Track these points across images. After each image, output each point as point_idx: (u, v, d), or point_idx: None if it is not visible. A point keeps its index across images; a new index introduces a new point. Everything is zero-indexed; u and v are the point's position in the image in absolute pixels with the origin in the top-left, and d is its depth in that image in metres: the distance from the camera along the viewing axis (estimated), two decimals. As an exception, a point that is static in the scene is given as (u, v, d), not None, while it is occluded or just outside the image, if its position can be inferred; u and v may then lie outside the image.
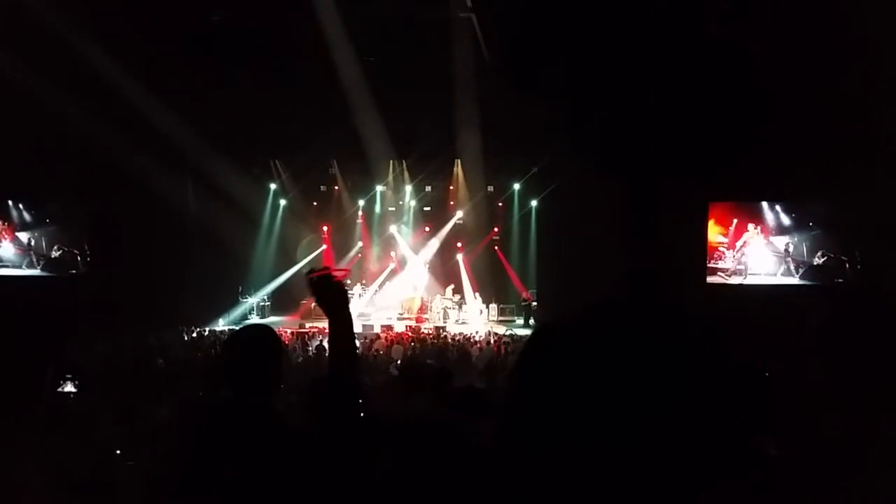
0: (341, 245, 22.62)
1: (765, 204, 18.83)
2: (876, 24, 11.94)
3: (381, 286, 21.94)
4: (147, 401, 5.86)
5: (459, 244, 22.35)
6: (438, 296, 21.18)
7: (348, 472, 2.33)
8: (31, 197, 19.87)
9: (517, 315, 20.88)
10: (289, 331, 16.26)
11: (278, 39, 15.10)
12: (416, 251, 22.62)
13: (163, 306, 16.35)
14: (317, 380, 3.80)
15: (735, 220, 18.88)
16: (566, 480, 0.74)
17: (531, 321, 19.94)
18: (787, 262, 18.62)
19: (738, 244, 18.79)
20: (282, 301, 21.66)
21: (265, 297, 21.41)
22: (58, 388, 6.19)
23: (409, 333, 16.67)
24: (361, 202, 22.68)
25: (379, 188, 22.41)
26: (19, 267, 20.09)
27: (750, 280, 18.76)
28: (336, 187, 22.51)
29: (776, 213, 18.82)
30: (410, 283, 22.17)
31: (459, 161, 21.38)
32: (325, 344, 13.11)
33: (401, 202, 22.88)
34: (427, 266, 22.52)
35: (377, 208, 22.86)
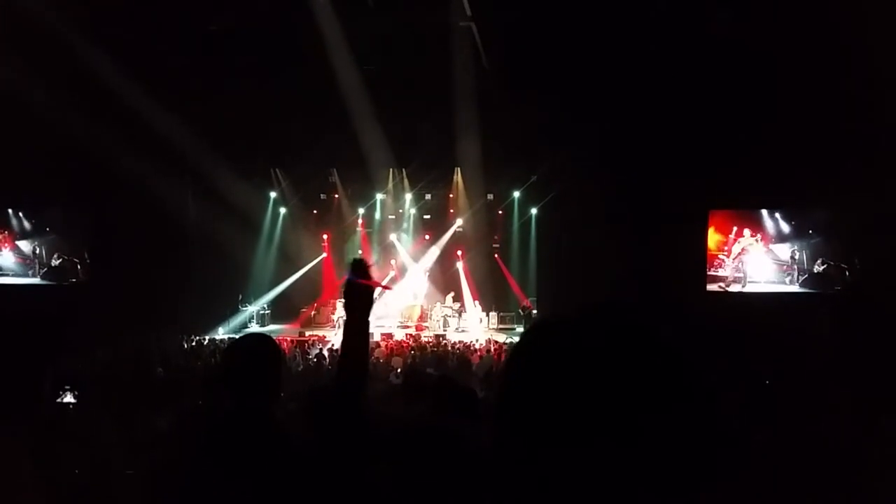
0: (341, 253, 22.62)
1: (764, 212, 18.84)
2: (877, 30, 11.97)
3: (380, 294, 21.87)
4: (146, 409, 5.85)
5: (459, 252, 22.34)
6: (438, 304, 21.17)
7: (348, 479, 2.33)
8: (31, 205, 19.89)
9: (517, 323, 20.85)
10: (289, 339, 16.24)
11: (278, 47, 15.15)
12: (416, 259, 22.63)
13: (162, 315, 16.34)
14: (316, 388, 3.80)
15: (735, 228, 18.89)
16: (562, 482, 0.74)
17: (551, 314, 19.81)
18: (793, 270, 18.63)
19: (735, 251, 18.78)
20: (282, 309, 21.67)
21: (265, 306, 21.40)
22: (57, 398, 6.20)
23: (410, 341, 16.66)
24: (361, 210, 22.70)
25: (379, 196, 22.43)
26: (19, 275, 20.10)
27: (750, 288, 18.73)
28: (336, 195, 22.53)
29: (776, 221, 18.83)
30: (410, 291, 22.16)
31: (459, 169, 21.41)
32: (325, 352, 13.12)
33: (401, 210, 22.89)
34: (427, 274, 22.52)
35: (377, 216, 22.87)
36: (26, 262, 20.19)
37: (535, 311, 20.16)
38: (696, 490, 0.74)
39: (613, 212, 16.19)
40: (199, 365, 11.08)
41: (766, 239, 18.84)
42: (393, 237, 22.83)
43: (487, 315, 21.12)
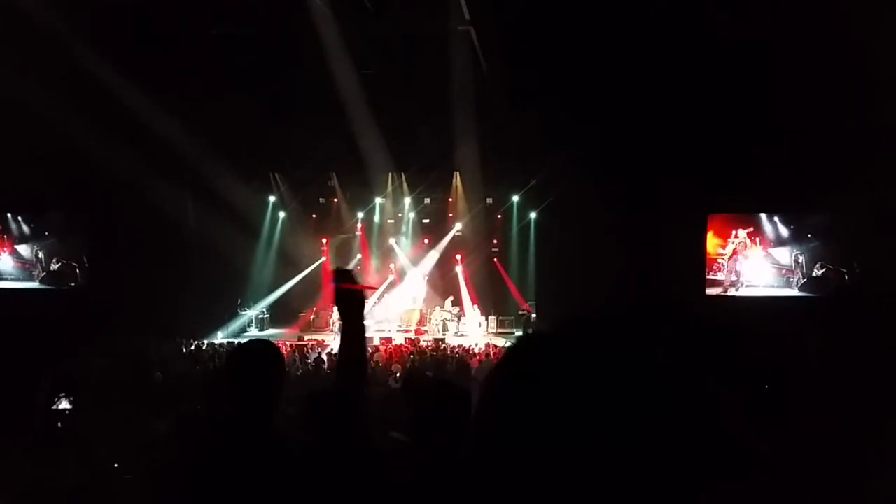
0: (341, 258, 22.62)
1: (763, 216, 18.86)
2: (875, 34, 11.99)
3: (380, 298, 21.93)
4: (145, 414, 5.84)
5: (458, 256, 22.34)
6: (437, 308, 21.16)
7: (346, 484, 2.33)
8: (31, 209, 19.90)
9: (516, 327, 20.83)
10: (288, 343, 16.22)
11: (278, 51, 15.17)
12: (415, 263, 22.62)
13: (161, 319, 16.32)
14: (315, 392, 3.79)
15: (733, 232, 18.90)
16: (536, 497, 0.74)
17: (530, 332, 19.85)
18: (791, 275, 18.63)
19: (727, 252, 18.78)
20: (281, 314, 21.67)
21: (264, 310, 21.39)
22: (53, 403, 6.18)
23: (409, 346, 16.64)
24: (361, 214, 22.70)
25: (378, 200, 22.44)
26: (18, 280, 20.09)
27: (749, 292, 18.74)
28: (335, 199, 22.53)
29: (774, 225, 18.84)
30: (409, 295, 22.16)
31: (458, 173, 21.42)
32: (324, 356, 13.10)
33: (400, 214, 22.90)
34: (426, 278, 22.51)
35: (376, 220, 22.87)
36: (25, 266, 20.19)
37: (533, 316, 20.15)
38: (679, 497, 0.73)
39: (612, 216, 16.20)
40: (199, 369, 11.06)
41: (766, 243, 18.85)
42: (392, 241, 22.83)
43: (486, 319, 21.10)
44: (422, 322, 21.20)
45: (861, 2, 12.16)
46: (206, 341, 16.98)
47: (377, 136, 17.95)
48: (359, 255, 22.72)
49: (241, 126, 16.78)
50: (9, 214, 19.99)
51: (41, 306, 17.73)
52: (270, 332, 20.64)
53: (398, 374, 10.46)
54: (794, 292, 18.53)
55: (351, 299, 2.40)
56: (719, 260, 18.86)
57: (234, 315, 20.50)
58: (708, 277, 18.82)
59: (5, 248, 20.15)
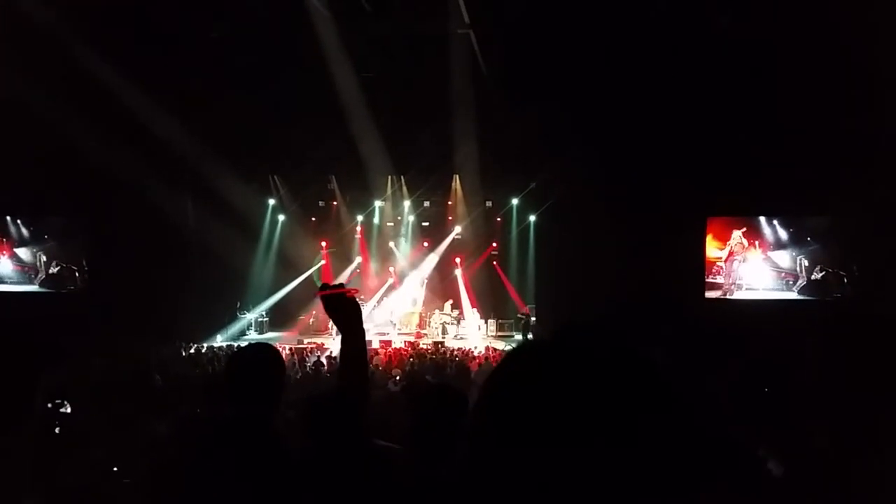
0: (340, 260, 22.62)
1: (762, 219, 18.86)
2: (875, 37, 12.01)
3: (379, 301, 21.93)
4: (145, 417, 5.83)
5: (458, 259, 22.34)
6: (437, 311, 21.16)
7: (344, 488, 2.32)
8: (30, 213, 19.90)
9: (516, 330, 20.83)
10: (287, 347, 16.20)
11: (277, 54, 15.18)
12: (414, 266, 22.62)
13: (161, 322, 16.31)
14: (315, 395, 3.78)
15: (733, 234, 18.90)
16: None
17: (529, 336, 19.91)
18: (791, 278, 18.63)
19: (723, 253, 18.77)
20: (280, 317, 21.66)
21: (263, 313, 21.38)
22: (52, 406, 6.17)
23: (408, 349, 16.64)
24: (360, 217, 22.70)
25: (377, 203, 22.45)
26: (18, 283, 20.08)
27: (749, 295, 18.74)
28: (335, 202, 22.54)
29: (774, 228, 18.84)
30: (409, 298, 22.15)
31: (458, 176, 21.44)
32: (324, 360, 13.09)
33: (399, 217, 22.91)
34: (425, 281, 22.51)
35: (376, 223, 22.88)
36: (25, 269, 20.18)
37: (533, 319, 20.15)
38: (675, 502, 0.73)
39: (612, 219, 16.21)
40: (198, 372, 11.05)
41: (765, 246, 18.85)
42: (392, 244, 22.84)
43: (486, 322, 21.10)
44: (421, 325, 21.20)
45: (861, 2, 12.17)
46: (205, 344, 16.98)
47: (377, 138, 17.96)
48: (358, 258, 22.72)
49: (240, 129, 16.79)
50: (8, 217, 19.99)
51: (41, 310, 17.71)
52: (270, 335, 20.63)
53: (397, 378, 10.45)
54: (794, 295, 18.53)
55: (341, 305, 2.41)
56: (718, 263, 18.86)
57: (233, 318, 20.50)
58: (707, 280, 18.82)
59: (5, 252, 20.14)
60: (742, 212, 18.73)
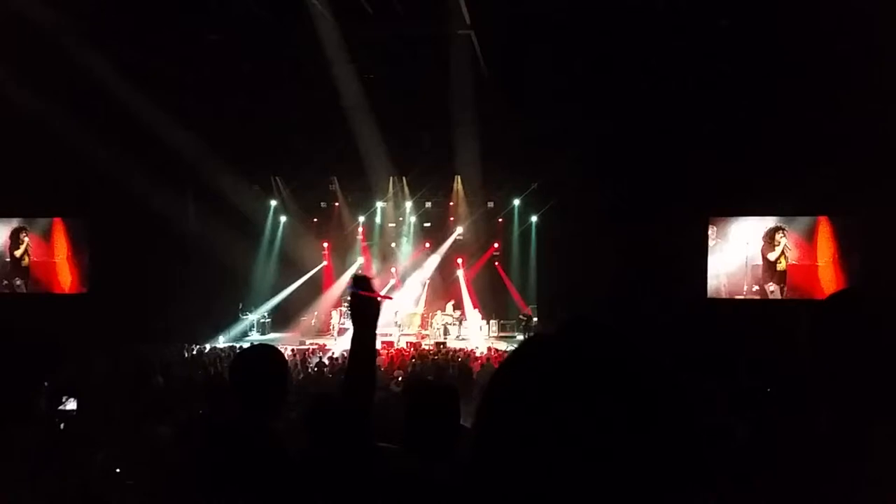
0: (341, 261, 22.63)
1: (763, 218, 18.81)
2: (877, 34, 12.00)
3: (383, 304, 21.88)
4: (147, 418, 5.84)
5: (460, 260, 22.34)
6: (439, 312, 21.15)
7: (346, 490, 2.33)
8: (31, 213, 19.92)
9: (518, 331, 20.83)
10: (289, 348, 16.22)
11: (279, 56, 15.19)
12: (416, 267, 22.62)
13: (163, 323, 16.33)
14: (318, 396, 3.79)
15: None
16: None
17: (530, 335, 19.86)
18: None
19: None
20: (282, 318, 21.66)
21: (265, 314, 21.39)
22: (58, 406, 6.19)
23: (410, 349, 16.64)
24: (362, 218, 22.70)
25: (379, 204, 22.45)
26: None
27: (751, 294, 18.71)
28: (336, 204, 22.54)
29: (777, 227, 18.78)
30: (411, 299, 22.15)
31: (459, 177, 21.43)
32: (326, 360, 13.10)
33: (401, 218, 22.90)
34: (427, 282, 22.51)
35: (377, 224, 22.88)
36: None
37: (535, 319, 20.14)
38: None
39: (614, 219, 16.21)
40: (200, 374, 11.06)
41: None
42: (393, 245, 22.85)
43: (488, 323, 21.10)
44: (423, 326, 21.20)
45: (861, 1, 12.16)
46: (207, 345, 17.00)
47: (378, 140, 17.97)
48: (360, 259, 22.72)
49: (242, 130, 16.79)
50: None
51: (39, 311, 17.72)
52: (272, 336, 20.63)
53: (399, 379, 10.46)
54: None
55: (367, 307, 2.41)
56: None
57: (235, 319, 20.51)
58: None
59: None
60: (744, 212, 18.70)
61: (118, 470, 4.73)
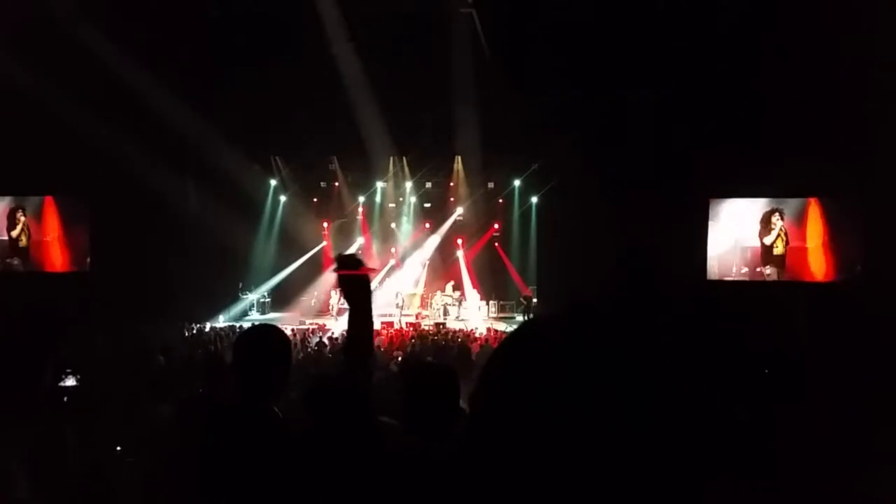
0: (341, 241, 22.63)
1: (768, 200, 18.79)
2: (877, 21, 11.93)
3: (381, 282, 21.97)
4: (148, 397, 5.86)
5: (460, 241, 22.35)
6: (439, 292, 21.20)
7: (347, 468, 2.34)
8: (32, 194, 19.87)
9: (517, 311, 20.89)
10: (289, 328, 16.26)
11: (279, 34, 15.09)
12: (416, 247, 22.63)
13: (163, 303, 16.35)
14: (318, 375, 3.80)
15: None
16: (532, 487, 0.74)
17: (530, 317, 19.94)
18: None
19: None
20: (282, 297, 21.72)
21: (265, 294, 21.44)
22: (59, 382, 6.22)
23: (410, 330, 16.69)
24: (362, 198, 22.68)
25: (379, 184, 22.41)
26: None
27: (751, 276, 18.74)
28: (336, 183, 22.50)
29: (778, 210, 18.76)
30: (411, 280, 22.19)
31: (459, 157, 21.38)
32: (326, 340, 13.14)
33: (401, 198, 22.89)
34: (427, 262, 22.53)
35: (377, 204, 22.86)
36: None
37: (535, 300, 20.19)
38: (678, 491, 0.73)
39: (614, 200, 16.17)
40: (200, 353, 11.09)
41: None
42: (393, 225, 22.85)
43: (487, 304, 21.15)
44: (423, 306, 21.25)
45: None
46: (208, 325, 17.04)
47: (378, 119, 17.89)
48: (360, 239, 22.73)
49: (242, 109, 16.71)
50: (9, 198, 19.98)
51: (41, 290, 17.74)
52: (272, 315, 20.69)
53: (399, 359, 10.49)
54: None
55: (355, 284, 2.40)
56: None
57: (235, 299, 20.56)
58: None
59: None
60: (744, 194, 18.67)
61: (119, 448, 4.76)
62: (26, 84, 14.65)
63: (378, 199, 22.76)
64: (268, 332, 2.69)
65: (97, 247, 19.23)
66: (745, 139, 15.51)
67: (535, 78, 15.42)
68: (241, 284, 20.85)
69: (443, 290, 21.18)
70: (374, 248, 22.84)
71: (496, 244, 22.45)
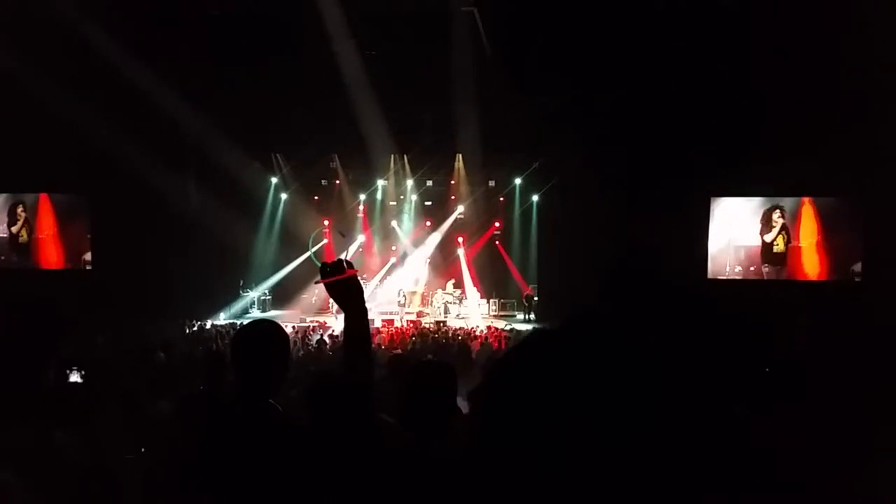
0: (342, 239, 22.61)
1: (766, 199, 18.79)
2: (877, 21, 11.92)
3: (382, 280, 21.98)
4: (148, 394, 5.87)
5: (460, 239, 22.35)
6: (439, 290, 21.21)
7: (348, 466, 2.35)
8: (34, 191, 19.88)
9: (518, 310, 20.90)
10: (290, 325, 16.26)
11: (280, 32, 15.08)
12: (416, 246, 22.63)
13: (164, 300, 16.36)
14: (319, 373, 3.80)
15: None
16: (536, 491, 0.75)
17: (531, 316, 20.00)
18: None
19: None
20: (283, 295, 21.71)
21: (266, 291, 21.45)
22: (63, 379, 6.23)
23: (410, 328, 16.70)
24: (362, 196, 22.67)
25: (380, 182, 22.40)
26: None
27: (751, 275, 18.74)
28: (337, 181, 22.50)
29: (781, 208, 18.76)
30: (411, 278, 22.19)
31: (460, 156, 21.37)
32: (326, 338, 13.14)
33: (402, 196, 22.88)
34: (428, 260, 22.54)
35: (378, 202, 22.85)
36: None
37: (535, 299, 20.19)
38: (678, 491, 0.74)
39: (615, 199, 16.17)
40: (201, 350, 11.10)
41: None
42: (394, 223, 22.84)
43: (488, 302, 21.16)
44: (423, 304, 21.26)
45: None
46: (208, 322, 17.05)
47: (379, 117, 17.88)
48: (361, 237, 22.73)
49: (243, 107, 16.71)
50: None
51: (42, 287, 17.76)
52: (272, 313, 20.71)
53: (387, 359, 10.48)
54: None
55: (343, 289, 2.40)
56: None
57: (236, 296, 20.57)
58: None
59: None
60: (746, 192, 18.67)
61: (119, 445, 4.77)
62: (26, 81, 14.64)
63: (379, 196, 22.74)
64: (266, 327, 2.69)
65: (98, 244, 19.24)
66: (744, 139, 15.50)
67: (536, 76, 15.40)
68: (241, 282, 20.87)
69: (443, 289, 21.19)
70: (375, 245, 22.84)
71: (497, 242, 22.45)
